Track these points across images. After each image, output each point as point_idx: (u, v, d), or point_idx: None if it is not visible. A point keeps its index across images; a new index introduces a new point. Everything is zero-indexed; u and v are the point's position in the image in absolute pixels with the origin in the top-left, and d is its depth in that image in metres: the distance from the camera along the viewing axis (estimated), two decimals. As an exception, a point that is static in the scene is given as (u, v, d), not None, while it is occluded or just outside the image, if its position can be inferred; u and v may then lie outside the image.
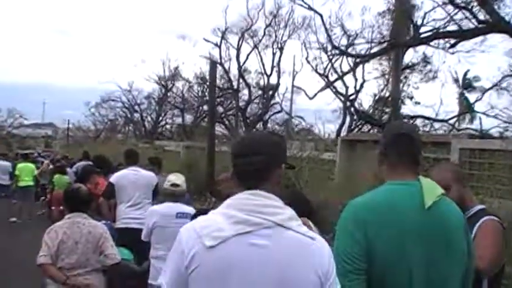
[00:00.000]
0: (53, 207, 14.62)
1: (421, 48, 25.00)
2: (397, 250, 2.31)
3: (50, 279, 4.61)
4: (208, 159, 13.32)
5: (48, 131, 65.54)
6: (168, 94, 41.89)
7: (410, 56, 27.31)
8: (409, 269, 2.31)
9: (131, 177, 7.18)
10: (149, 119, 44.90)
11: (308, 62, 29.51)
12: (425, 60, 27.65)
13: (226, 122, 37.22)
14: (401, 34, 19.20)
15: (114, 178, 7.28)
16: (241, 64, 35.10)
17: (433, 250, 2.35)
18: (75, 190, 4.92)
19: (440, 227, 2.38)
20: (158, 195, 7.27)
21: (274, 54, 34.07)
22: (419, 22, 19.73)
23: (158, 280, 1.99)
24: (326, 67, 28.14)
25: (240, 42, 34.72)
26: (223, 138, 25.78)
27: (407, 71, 28.27)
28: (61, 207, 11.54)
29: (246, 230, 1.88)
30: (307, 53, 29.94)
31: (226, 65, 35.61)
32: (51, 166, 17.66)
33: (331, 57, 26.48)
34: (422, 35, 18.87)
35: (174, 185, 5.49)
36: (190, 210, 5.45)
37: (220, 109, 35.59)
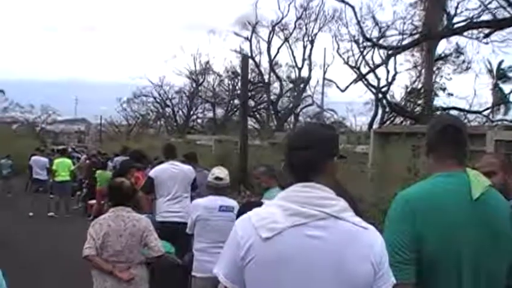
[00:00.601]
0: (89, 202, 14.99)
1: (454, 39, 24.70)
2: (445, 241, 2.34)
3: (96, 270, 4.67)
4: (241, 153, 13.40)
5: (81, 127, 66.38)
6: (199, 88, 42.08)
7: (443, 46, 26.95)
8: (458, 259, 2.33)
9: (170, 172, 7.19)
10: (180, 113, 45.14)
11: (339, 54, 29.39)
12: (458, 51, 27.23)
13: (258, 116, 37.26)
14: (434, 25, 18.97)
15: (153, 172, 7.31)
16: (272, 57, 35.15)
17: (481, 241, 2.36)
18: (118, 184, 5.01)
19: (488, 218, 2.40)
20: (196, 189, 7.37)
21: (305, 47, 34.09)
22: (452, 12, 19.49)
23: (213, 270, 2.03)
24: (357, 59, 27.98)
25: (271, 36, 34.75)
26: (254, 132, 25.88)
27: (440, 62, 27.85)
28: (102, 202, 11.81)
29: (301, 221, 1.90)
30: (338, 46, 29.73)
31: (257, 59, 35.73)
32: (87, 161, 18.02)
33: (362, 49, 26.30)
34: (455, 25, 18.63)
35: (217, 178, 5.52)
36: (234, 203, 5.50)
37: (252, 103, 35.62)
